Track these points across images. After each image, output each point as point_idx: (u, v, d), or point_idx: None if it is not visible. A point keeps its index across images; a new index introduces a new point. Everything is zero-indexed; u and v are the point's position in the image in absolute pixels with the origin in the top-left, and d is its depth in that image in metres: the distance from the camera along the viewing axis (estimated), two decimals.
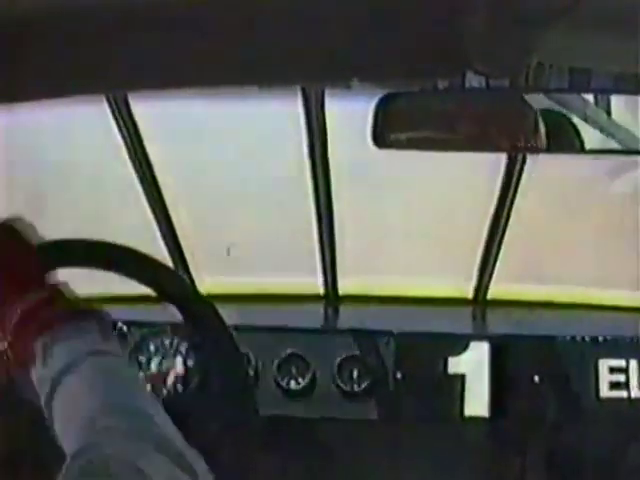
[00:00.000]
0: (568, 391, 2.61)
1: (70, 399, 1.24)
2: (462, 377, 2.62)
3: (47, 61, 1.51)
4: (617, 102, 1.79)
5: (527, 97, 1.69)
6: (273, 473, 2.58)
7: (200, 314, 1.87)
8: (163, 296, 1.88)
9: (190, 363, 2.65)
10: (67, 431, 1.20)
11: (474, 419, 2.62)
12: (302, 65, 1.71)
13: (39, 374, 1.30)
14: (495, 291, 3.12)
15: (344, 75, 1.77)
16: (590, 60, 1.66)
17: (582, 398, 2.60)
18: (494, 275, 3.08)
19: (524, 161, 2.70)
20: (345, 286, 3.16)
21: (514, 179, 2.79)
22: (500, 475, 2.75)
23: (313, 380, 2.65)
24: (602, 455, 2.68)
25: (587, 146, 1.72)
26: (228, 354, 1.86)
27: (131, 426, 1.16)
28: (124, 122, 2.75)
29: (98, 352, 1.33)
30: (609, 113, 1.78)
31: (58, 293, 1.43)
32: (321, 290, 3.14)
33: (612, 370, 2.61)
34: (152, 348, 2.70)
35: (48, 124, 3.08)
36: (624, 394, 2.60)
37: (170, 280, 1.90)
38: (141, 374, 2.68)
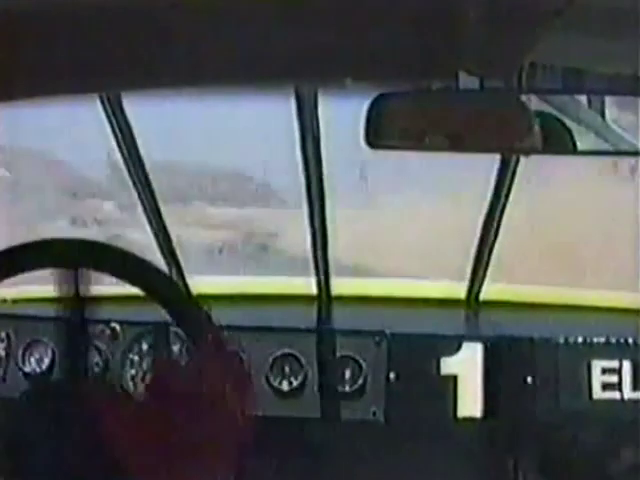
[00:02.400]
0: (561, 392, 2.61)
1: None
2: (455, 378, 2.62)
3: (46, 60, 1.51)
4: (611, 104, 1.79)
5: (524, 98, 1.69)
6: (264, 474, 2.57)
7: (186, 314, 1.87)
8: (150, 296, 1.89)
9: (183, 363, 2.65)
10: None
11: (467, 420, 2.62)
12: (295, 65, 1.71)
13: None
14: (488, 292, 3.12)
15: (338, 75, 1.77)
16: (584, 61, 1.66)
17: (575, 399, 2.61)
18: (487, 276, 3.08)
19: (517, 162, 2.71)
20: (338, 286, 3.16)
21: (507, 180, 2.79)
22: (493, 476, 2.75)
23: (305, 380, 2.65)
24: (595, 456, 2.68)
25: (580, 147, 1.72)
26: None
27: None
28: (117, 122, 2.74)
29: None
30: (603, 114, 1.78)
31: None
32: (314, 290, 3.14)
33: (605, 371, 2.61)
34: (145, 347, 2.69)
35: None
36: (617, 395, 2.60)
37: (157, 280, 1.90)
38: (134, 373, 2.68)
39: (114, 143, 2.85)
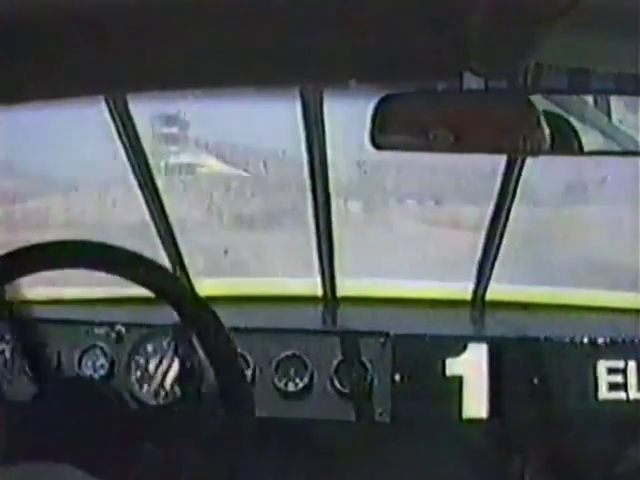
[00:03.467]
0: (567, 392, 2.61)
1: None
2: (460, 379, 2.62)
3: (47, 62, 1.51)
4: (617, 103, 1.79)
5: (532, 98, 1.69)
6: (269, 475, 2.57)
7: (197, 315, 1.88)
8: (160, 297, 1.89)
9: (188, 364, 2.65)
10: None
11: (472, 420, 2.62)
12: (301, 66, 1.70)
13: None
14: (493, 293, 3.11)
15: (343, 76, 1.76)
16: (590, 61, 1.66)
17: (581, 400, 2.60)
18: (492, 277, 3.08)
19: (523, 162, 2.70)
20: (343, 287, 3.16)
21: (513, 180, 2.79)
22: (499, 476, 2.75)
23: (311, 382, 2.65)
24: (601, 456, 2.67)
25: (586, 148, 1.72)
26: (225, 356, 1.86)
27: None
28: (122, 122, 2.74)
29: None
30: (609, 114, 1.77)
31: None
32: (319, 291, 3.13)
33: (610, 371, 2.61)
34: (150, 349, 2.70)
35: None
36: (623, 395, 2.59)
37: (167, 281, 1.90)
38: (140, 375, 2.68)
39: (119, 143, 2.85)
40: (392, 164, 3.42)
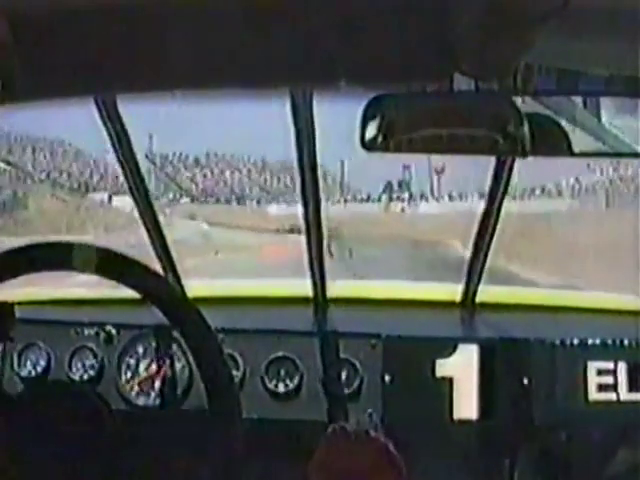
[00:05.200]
0: (557, 393, 2.61)
1: None
2: (450, 380, 2.62)
3: (47, 61, 1.51)
4: (607, 105, 1.79)
5: (515, 99, 1.69)
6: (259, 476, 2.57)
7: (183, 317, 1.88)
8: (147, 299, 1.89)
9: (179, 366, 2.65)
10: None
11: (463, 422, 2.62)
12: (290, 67, 1.71)
13: None
14: (483, 294, 3.12)
15: (333, 77, 1.77)
16: (580, 62, 1.66)
17: (571, 400, 2.61)
18: (482, 278, 3.08)
19: (513, 163, 2.70)
20: (333, 289, 3.16)
21: (503, 181, 2.79)
22: (489, 478, 2.75)
23: (301, 383, 2.65)
24: (591, 457, 2.68)
25: (576, 149, 1.72)
26: (211, 357, 1.86)
27: None
28: (112, 122, 2.73)
29: None
30: (599, 116, 1.77)
31: None
32: (309, 293, 3.13)
33: (600, 372, 2.61)
34: (140, 350, 2.69)
35: None
36: (613, 396, 2.60)
37: (154, 283, 1.91)
38: (130, 376, 2.67)
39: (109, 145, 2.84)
40: (191, 157, 3.37)
